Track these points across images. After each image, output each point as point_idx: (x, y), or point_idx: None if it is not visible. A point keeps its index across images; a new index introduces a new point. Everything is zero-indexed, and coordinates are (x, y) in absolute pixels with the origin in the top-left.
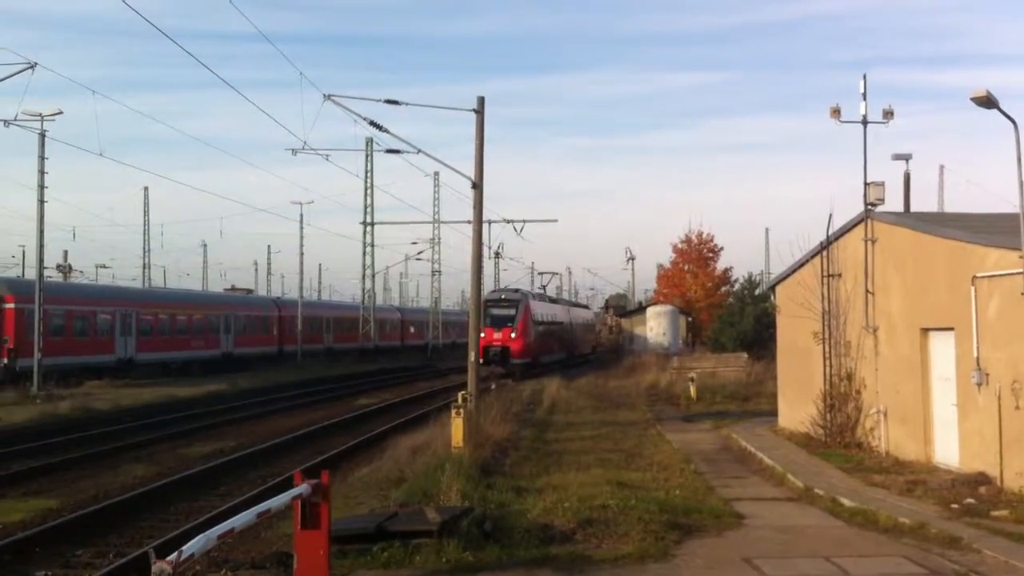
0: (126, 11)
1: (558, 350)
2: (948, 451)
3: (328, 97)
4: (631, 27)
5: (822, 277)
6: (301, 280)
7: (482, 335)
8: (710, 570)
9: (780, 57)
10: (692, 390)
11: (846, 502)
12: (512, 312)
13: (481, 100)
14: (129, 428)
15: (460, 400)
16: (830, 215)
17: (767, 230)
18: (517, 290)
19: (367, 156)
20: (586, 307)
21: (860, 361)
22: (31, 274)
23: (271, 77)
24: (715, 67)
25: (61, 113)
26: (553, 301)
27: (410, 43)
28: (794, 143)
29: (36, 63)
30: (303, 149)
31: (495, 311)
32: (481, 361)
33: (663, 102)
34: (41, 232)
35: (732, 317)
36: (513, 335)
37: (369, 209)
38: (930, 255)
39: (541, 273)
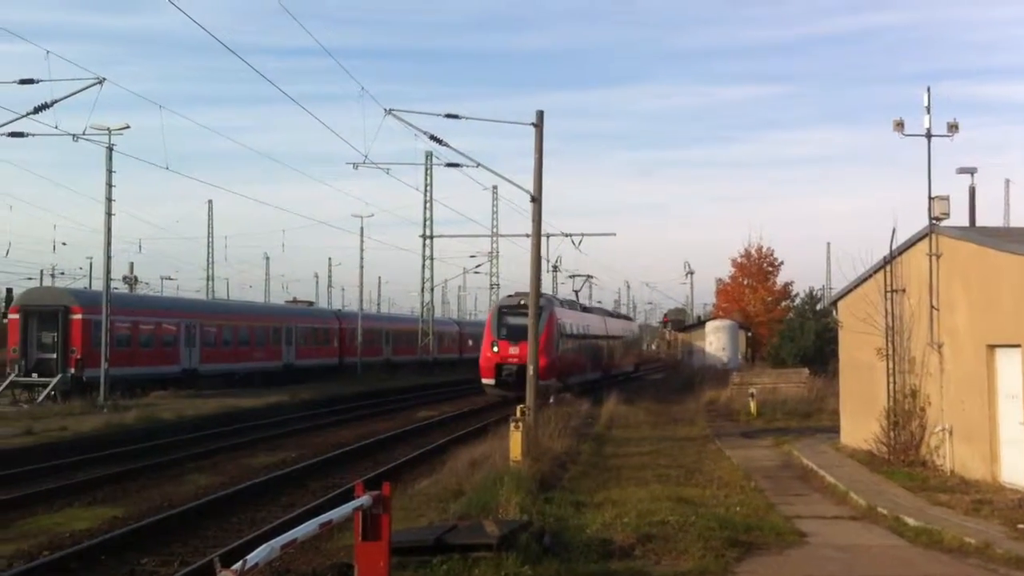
0: (192, 27)
1: (591, 369)
2: (1015, 470)
3: (389, 111)
4: (689, 40)
5: (885, 292)
6: (361, 292)
7: (495, 349)
8: None
9: (840, 69)
10: (752, 406)
11: (910, 521)
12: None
13: (540, 114)
14: (193, 438)
15: (519, 413)
16: (893, 230)
17: (828, 244)
18: (541, 295)
19: (427, 170)
20: (628, 318)
21: (925, 378)
22: (98, 285)
23: (333, 92)
24: (774, 80)
25: (128, 127)
26: (586, 310)
27: (470, 57)
28: (856, 156)
29: (104, 78)
30: (364, 163)
31: (512, 320)
32: (492, 383)
33: (722, 115)
34: (108, 244)
35: (793, 332)
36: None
37: (428, 222)
38: (996, 270)
39: (572, 276)
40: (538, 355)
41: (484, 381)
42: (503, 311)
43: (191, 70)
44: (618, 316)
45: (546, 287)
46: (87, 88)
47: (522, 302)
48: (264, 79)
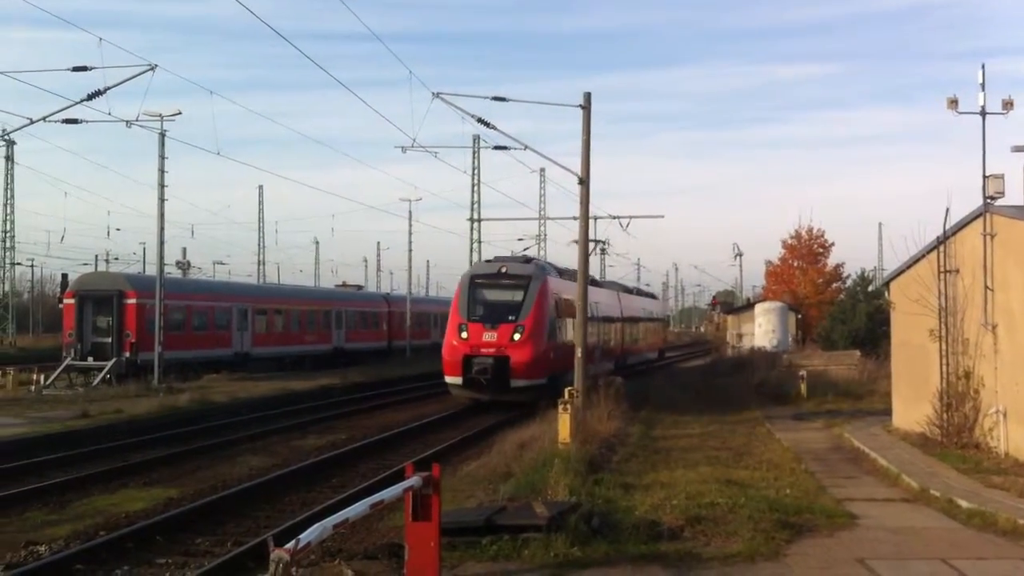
0: (243, 13)
1: (600, 358)
2: None
3: (437, 95)
4: (738, 20)
5: (939, 273)
6: (410, 276)
7: (463, 335)
8: (823, 570)
9: (893, 48)
10: (802, 388)
11: (963, 503)
12: (517, 297)
13: (587, 96)
14: (245, 420)
15: (567, 396)
16: (947, 209)
17: (880, 225)
18: (528, 260)
19: (474, 153)
20: (651, 295)
21: (979, 359)
22: (152, 270)
23: (381, 76)
24: (825, 59)
25: (180, 114)
26: (594, 283)
27: (517, 40)
28: (909, 136)
29: (156, 65)
30: (412, 146)
31: (489, 295)
32: (459, 382)
33: (772, 95)
34: (161, 229)
35: (844, 314)
36: (517, 336)
37: (476, 205)
38: None
39: (596, 242)
40: (526, 340)
41: (448, 379)
42: (476, 283)
43: (241, 56)
44: (639, 293)
45: (594, 270)
46: (139, 75)
47: (503, 269)
48: (314, 64)
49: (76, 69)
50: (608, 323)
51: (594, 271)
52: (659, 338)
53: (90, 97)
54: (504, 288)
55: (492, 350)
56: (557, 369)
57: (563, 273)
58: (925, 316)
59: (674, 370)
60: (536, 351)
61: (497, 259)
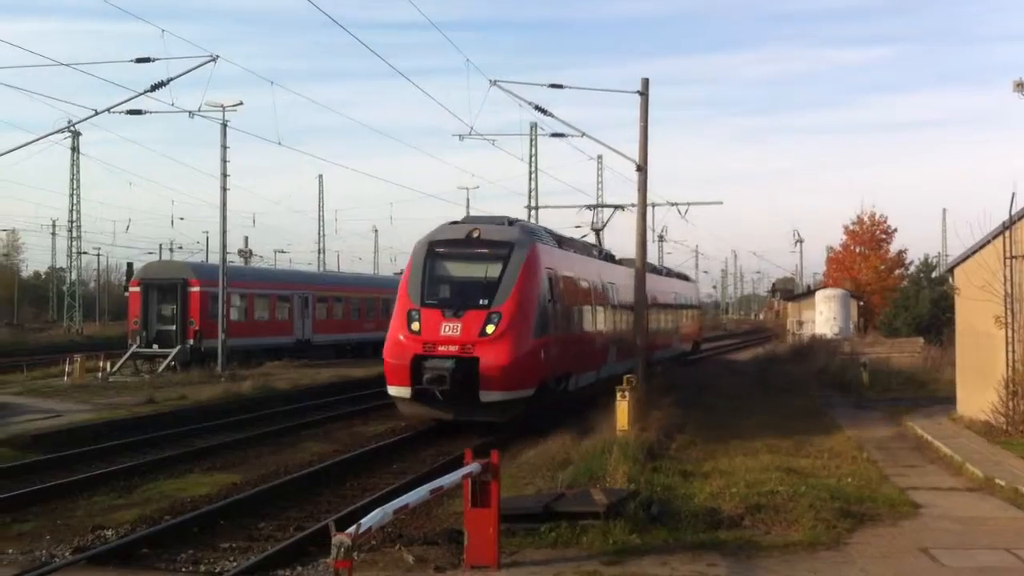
0: (303, 3)
1: (613, 356)
2: None
3: (494, 83)
4: (797, 3)
5: (1004, 259)
6: None
7: (413, 327)
8: (885, 560)
9: (955, 29)
10: (864, 376)
11: None
12: (493, 272)
13: (645, 82)
14: (307, 407)
15: (625, 383)
16: (1012, 194)
17: (944, 210)
18: (511, 222)
19: (531, 140)
20: (684, 276)
21: None
22: (215, 259)
23: (439, 65)
24: (887, 41)
25: (242, 104)
26: (609, 260)
27: (574, 26)
28: (973, 119)
29: (218, 56)
30: (470, 134)
31: (450, 269)
32: (406, 394)
33: (832, 79)
34: (224, 218)
35: (907, 301)
36: (490, 328)
37: (533, 193)
38: None
39: (592, 206)
40: (503, 334)
41: (391, 390)
42: (436, 253)
43: (301, 46)
44: (668, 274)
45: (652, 257)
46: (201, 66)
47: (475, 233)
48: (373, 54)
49: (139, 61)
50: (621, 312)
51: (652, 259)
52: (693, 328)
53: (153, 88)
54: (475, 260)
55: (455, 348)
56: (553, 373)
57: (563, 242)
58: (990, 302)
59: (723, 361)
60: (518, 349)
61: (468, 219)
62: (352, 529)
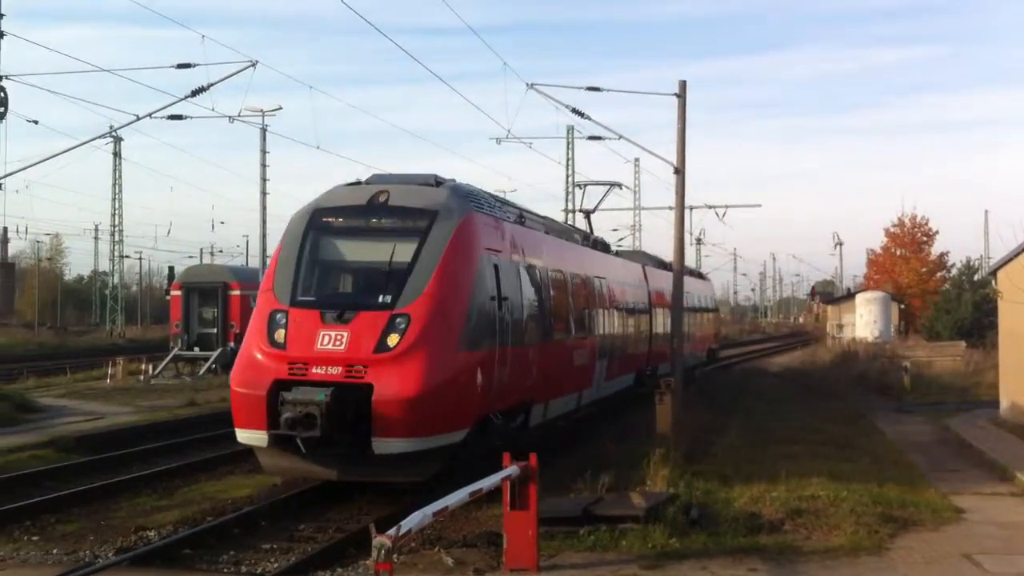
0: (341, 9)
1: (609, 374)
2: None
3: (531, 86)
4: (836, 3)
5: None
6: None
7: (276, 337)
8: (928, 565)
9: (996, 29)
10: (906, 380)
11: None
12: (404, 254)
13: (683, 84)
14: None
15: (664, 387)
16: None
17: (986, 212)
18: (440, 182)
19: (568, 143)
20: (698, 274)
21: None
22: (255, 262)
23: (476, 68)
24: (927, 41)
25: (281, 109)
26: (603, 249)
27: (610, 29)
28: (1016, 120)
29: (257, 61)
30: (507, 137)
31: (340, 248)
32: (262, 437)
33: (871, 79)
34: (264, 222)
35: (948, 304)
36: (392, 339)
37: (571, 196)
38: None
39: (580, 185)
40: (414, 348)
41: (241, 435)
42: (322, 225)
43: (338, 51)
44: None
45: (690, 260)
46: (241, 71)
47: (383, 198)
48: (410, 58)
49: (180, 66)
50: (627, 314)
51: (690, 262)
52: (707, 334)
53: (194, 93)
54: (377, 236)
55: (336, 371)
56: (502, 403)
57: (526, 219)
58: None
59: (760, 366)
60: (437, 371)
61: (376, 178)
62: (393, 531)
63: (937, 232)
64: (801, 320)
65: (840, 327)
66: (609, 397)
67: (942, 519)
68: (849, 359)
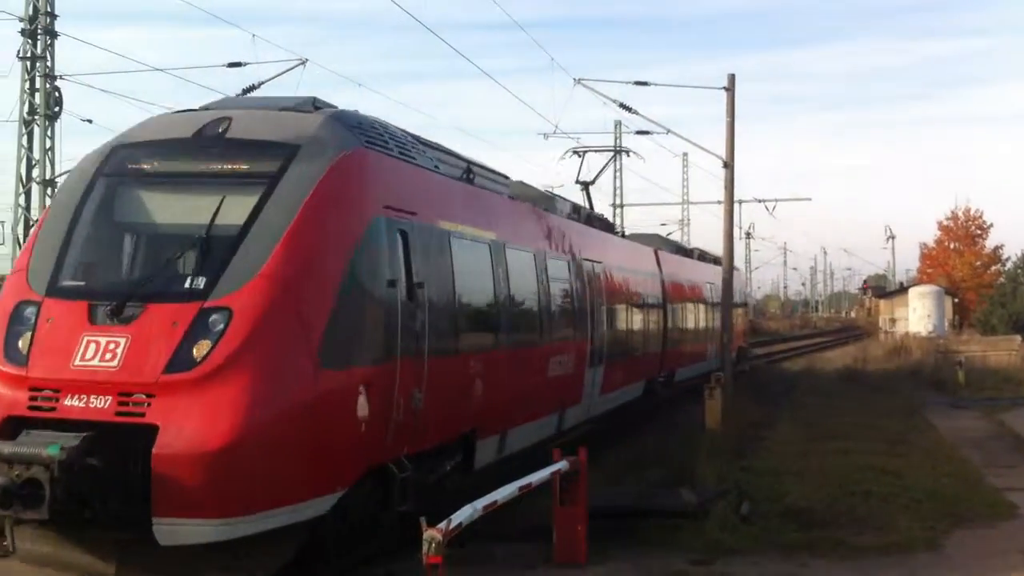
0: (389, 6)
1: (607, 386)
2: None
3: (578, 81)
4: None
5: None
6: None
7: (19, 346)
8: (982, 561)
9: None
10: (960, 375)
11: None
12: (236, 211)
13: (731, 77)
14: None
15: (714, 381)
16: None
17: None
18: (318, 106)
19: (616, 138)
20: (712, 258)
21: None
22: None
23: (523, 64)
24: (980, 33)
25: None
26: (605, 228)
27: (658, 23)
28: None
29: (307, 59)
30: (555, 133)
31: (139, 204)
32: None
33: (924, 72)
34: None
35: (1003, 297)
36: (199, 348)
37: (618, 191)
38: None
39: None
40: (239, 363)
41: None
42: (119, 169)
43: (385, 48)
44: (691, 255)
45: (739, 256)
46: (290, 69)
47: (222, 128)
48: (458, 54)
49: (231, 65)
50: (634, 308)
51: (739, 258)
52: (736, 331)
53: (245, 92)
54: (203, 185)
55: (103, 403)
56: (420, 441)
57: (476, 175)
58: None
59: (810, 363)
60: (270, 406)
61: (225, 103)
62: (443, 524)
63: (992, 225)
64: (853, 315)
65: (893, 321)
66: (611, 411)
67: (997, 515)
68: (902, 353)
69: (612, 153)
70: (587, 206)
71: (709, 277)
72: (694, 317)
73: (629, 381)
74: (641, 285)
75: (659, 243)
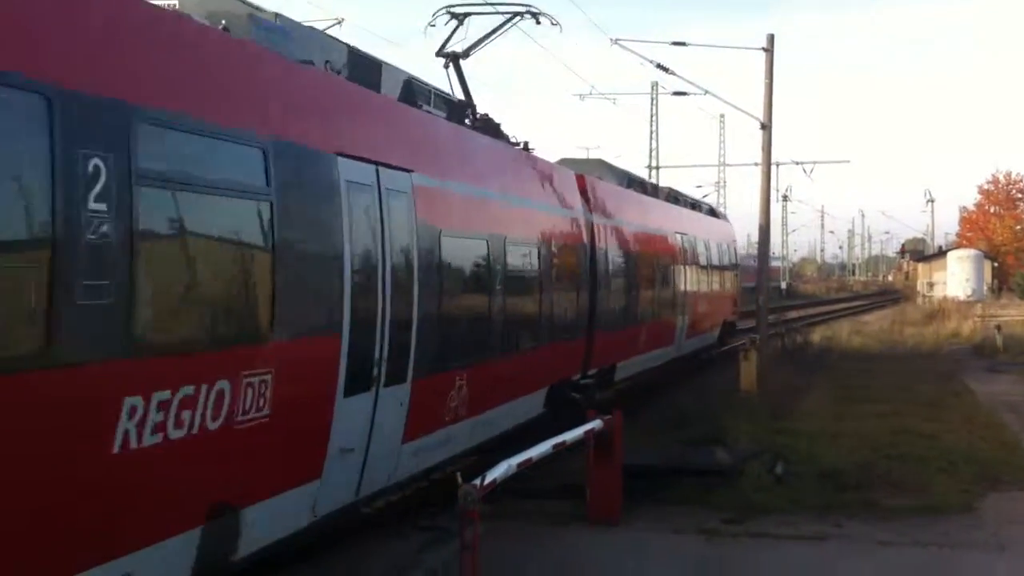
0: None
1: (478, 404)
2: None
3: (615, 41)
4: None
5: None
6: None
7: None
8: (1017, 525)
9: None
10: (998, 339)
11: None
12: None
13: (771, 37)
14: None
15: (749, 343)
16: None
17: None
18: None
19: (652, 99)
20: (711, 210)
21: None
22: None
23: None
24: None
25: None
26: (489, 127)
27: None
28: None
29: (343, 19)
30: (590, 94)
31: None
32: None
33: (967, 33)
34: None
35: None
36: None
37: (654, 153)
38: None
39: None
40: None
41: None
42: None
43: (420, 6)
44: (681, 202)
45: (775, 219)
46: (328, 29)
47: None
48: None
49: None
50: (528, 271)
51: (775, 220)
52: (721, 305)
53: None
54: None
55: None
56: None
57: (350, 62)
58: None
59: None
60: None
61: None
62: (478, 480)
63: None
64: (891, 279)
65: (931, 285)
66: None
67: None
68: (940, 317)
69: (509, 16)
70: (458, 92)
71: (697, 229)
72: (652, 281)
73: (518, 394)
74: (547, 233)
75: (600, 170)
